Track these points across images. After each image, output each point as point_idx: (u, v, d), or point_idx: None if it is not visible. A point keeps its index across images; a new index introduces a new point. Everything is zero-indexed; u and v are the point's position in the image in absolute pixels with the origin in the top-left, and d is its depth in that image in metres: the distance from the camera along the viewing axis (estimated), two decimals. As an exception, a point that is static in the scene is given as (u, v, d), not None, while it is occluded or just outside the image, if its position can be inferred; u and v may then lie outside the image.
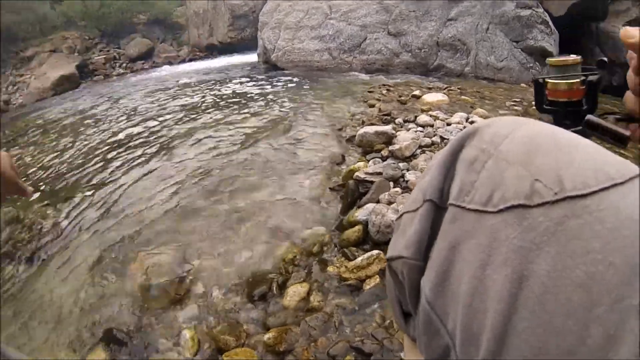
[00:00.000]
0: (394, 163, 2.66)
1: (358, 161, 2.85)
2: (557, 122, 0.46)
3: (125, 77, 11.32)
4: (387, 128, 3.06)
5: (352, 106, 4.45)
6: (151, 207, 2.92)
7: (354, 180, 2.46)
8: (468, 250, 0.31)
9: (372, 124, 3.42)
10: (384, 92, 4.84)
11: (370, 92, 5.02)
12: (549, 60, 0.49)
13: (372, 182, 2.45)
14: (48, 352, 1.89)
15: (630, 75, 0.39)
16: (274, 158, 3.24)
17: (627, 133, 0.40)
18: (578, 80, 0.46)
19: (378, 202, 2.28)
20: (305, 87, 5.79)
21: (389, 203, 2.24)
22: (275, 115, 4.43)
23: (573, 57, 0.47)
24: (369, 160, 2.76)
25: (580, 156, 0.29)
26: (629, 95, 0.40)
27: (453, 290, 0.31)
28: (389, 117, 3.63)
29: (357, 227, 2.09)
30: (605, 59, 0.46)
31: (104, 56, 12.64)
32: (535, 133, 0.32)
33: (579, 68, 0.47)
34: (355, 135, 3.24)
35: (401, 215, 0.41)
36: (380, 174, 2.50)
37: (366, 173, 2.47)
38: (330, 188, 2.65)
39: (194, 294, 1.99)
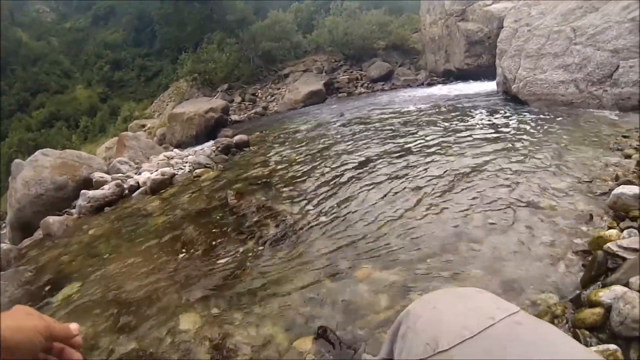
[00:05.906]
0: (658, 239, 2.10)
1: (609, 227, 2.38)
2: None
3: (366, 96, 12.70)
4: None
5: (603, 153, 3.74)
6: (385, 224, 3.14)
7: (603, 251, 2.07)
8: None
9: (628, 182, 2.80)
10: (646, 137, 3.87)
11: (625, 136, 4.11)
12: None
13: (623, 259, 2.01)
14: (263, 326, 2.22)
15: None
16: (516, 207, 3.00)
17: None
18: None
19: (626, 284, 1.85)
20: (548, 125, 5.18)
21: (643, 290, 1.78)
22: (516, 155, 4.13)
23: None
24: (623, 230, 2.26)
25: (450, 323, 0.66)
26: None
27: None
28: (654, 175, 2.89)
29: (597, 310, 1.75)
30: None
31: (348, 76, 14.65)
32: (438, 314, 0.71)
33: None
34: (607, 192, 2.71)
35: None
36: (636, 250, 2.02)
37: (619, 246, 2.03)
38: (573, 251, 2.31)
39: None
